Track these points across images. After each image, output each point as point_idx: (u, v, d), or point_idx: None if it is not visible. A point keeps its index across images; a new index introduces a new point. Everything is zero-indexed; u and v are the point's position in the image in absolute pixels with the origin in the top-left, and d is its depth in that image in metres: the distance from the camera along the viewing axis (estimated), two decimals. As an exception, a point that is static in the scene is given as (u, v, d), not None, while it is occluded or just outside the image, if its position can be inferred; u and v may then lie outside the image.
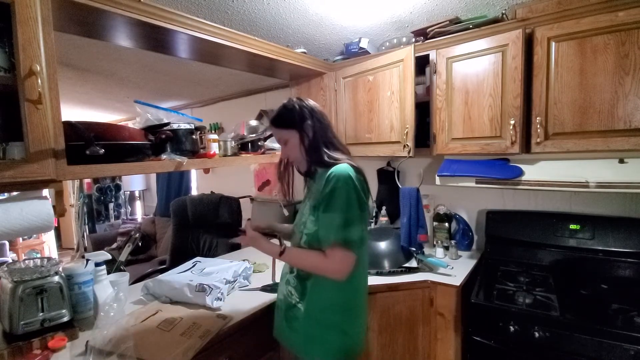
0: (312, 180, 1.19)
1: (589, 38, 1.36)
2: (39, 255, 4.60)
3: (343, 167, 1.05)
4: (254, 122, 1.96)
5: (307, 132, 1.13)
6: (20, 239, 4.48)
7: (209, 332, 1.15)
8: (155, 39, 1.41)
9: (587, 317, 1.25)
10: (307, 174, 1.22)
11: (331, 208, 1.02)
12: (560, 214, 1.78)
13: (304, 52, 2.01)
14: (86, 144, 1.05)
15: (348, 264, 1.03)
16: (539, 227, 1.79)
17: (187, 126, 1.40)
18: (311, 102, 1.19)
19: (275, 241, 1.19)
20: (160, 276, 1.49)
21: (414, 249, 1.75)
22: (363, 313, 1.21)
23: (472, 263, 1.83)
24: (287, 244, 1.16)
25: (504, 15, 1.64)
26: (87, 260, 1.32)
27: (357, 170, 1.08)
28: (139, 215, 5.46)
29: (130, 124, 1.33)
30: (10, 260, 3.71)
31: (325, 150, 1.12)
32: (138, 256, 3.72)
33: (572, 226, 1.71)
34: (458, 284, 1.56)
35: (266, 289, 1.52)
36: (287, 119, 1.15)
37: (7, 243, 4.14)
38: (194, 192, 4.19)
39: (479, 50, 1.61)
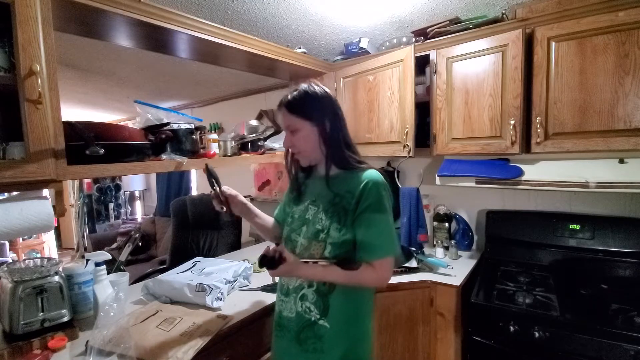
0: (323, 181, 1.04)
1: (589, 38, 1.36)
2: (39, 255, 4.60)
3: (376, 175, 0.99)
4: (254, 122, 1.96)
5: (326, 126, 1.01)
6: (20, 239, 4.48)
7: (209, 332, 1.15)
8: (155, 39, 1.41)
9: (587, 317, 1.25)
10: (307, 169, 1.13)
11: (380, 220, 0.97)
12: (560, 214, 1.78)
13: (304, 52, 2.01)
14: (86, 143, 1.05)
15: (391, 271, 1.02)
16: (539, 227, 1.79)
17: (187, 126, 1.40)
18: (331, 92, 1.08)
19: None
20: (160, 276, 1.49)
21: (414, 249, 1.75)
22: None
23: (472, 263, 1.83)
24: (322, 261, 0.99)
25: (504, 15, 1.64)
26: (87, 260, 1.32)
27: (384, 177, 1.02)
28: (139, 215, 5.46)
29: (130, 124, 1.33)
30: (10, 260, 3.71)
31: (346, 150, 1.03)
32: (138, 256, 3.72)
33: (572, 226, 1.71)
34: (458, 284, 1.56)
35: (266, 289, 1.52)
36: (306, 107, 1.02)
37: (7, 243, 4.14)
38: (194, 192, 4.19)
39: (479, 50, 1.61)
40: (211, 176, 1.17)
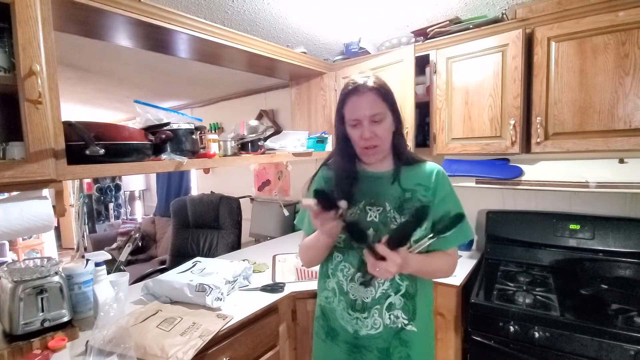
0: (385, 178, 0.99)
1: (589, 38, 1.36)
2: (39, 255, 4.60)
3: (438, 165, 1.01)
4: (254, 122, 1.95)
5: (400, 118, 0.99)
6: (20, 239, 4.48)
7: (209, 332, 1.15)
8: (155, 39, 1.41)
9: (587, 317, 1.25)
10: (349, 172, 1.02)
11: (459, 208, 0.97)
12: (560, 214, 1.78)
13: (304, 52, 2.01)
14: (86, 144, 1.05)
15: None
16: (539, 227, 1.79)
17: (187, 126, 1.39)
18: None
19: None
20: (160, 276, 1.49)
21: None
22: None
23: (472, 263, 1.83)
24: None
25: (504, 15, 1.64)
26: (87, 260, 1.32)
27: None
28: (139, 215, 5.46)
29: (130, 124, 1.33)
30: (10, 260, 3.71)
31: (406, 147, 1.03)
32: (138, 256, 3.72)
33: (572, 226, 1.71)
34: (458, 284, 1.56)
35: (266, 289, 1.52)
36: (391, 94, 0.96)
37: (7, 243, 4.14)
38: (194, 192, 4.19)
39: (479, 50, 1.61)
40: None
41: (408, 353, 0.95)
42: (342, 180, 1.01)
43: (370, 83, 0.93)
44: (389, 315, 0.95)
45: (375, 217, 0.96)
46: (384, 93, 0.94)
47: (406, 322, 0.95)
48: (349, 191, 0.99)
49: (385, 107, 0.94)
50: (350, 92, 0.94)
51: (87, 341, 1.05)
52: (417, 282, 0.97)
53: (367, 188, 1.00)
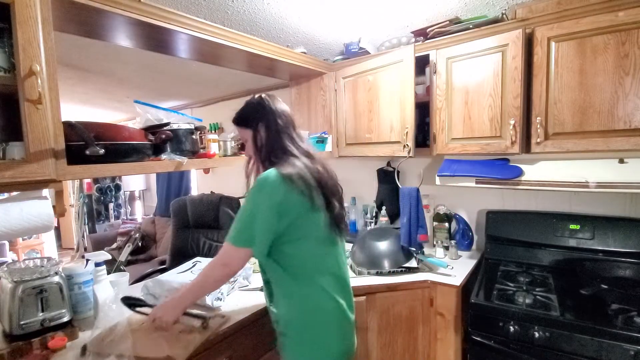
0: None
1: (589, 38, 1.36)
2: (39, 255, 4.60)
3: (266, 173, 1.04)
4: (254, 122, 1.95)
5: (261, 133, 1.12)
6: (20, 239, 4.48)
7: (208, 331, 1.15)
8: (155, 39, 1.41)
9: (587, 317, 1.25)
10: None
11: (239, 211, 1.09)
12: (560, 214, 1.78)
13: (304, 52, 2.01)
14: (86, 144, 1.05)
15: (232, 259, 1.05)
16: (539, 227, 1.79)
17: (187, 126, 1.39)
18: (277, 103, 1.15)
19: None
20: (160, 276, 1.49)
21: (414, 249, 1.75)
22: (334, 327, 1.11)
23: (472, 263, 1.83)
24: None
25: (504, 15, 1.64)
26: (87, 260, 1.32)
27: (286, 175, 1.02)
28: (139, 215, 5.46)
29: (130, 124, 1.33)
30: (10, 260, 3.71)
31: (275, 153, 1.10)
32: (138, 256, 3.72)
33: (572, 226, 1.71)
34: (458, 284, 1.56)
35: (266, 289, 1.52)
36: (245, 116, 1.15)
37: (7, 243, 4.14)
38: (194, 192, 4.19)
39: (479, 50, 1.61)
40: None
41: (281, 330, 1.13)
42: None
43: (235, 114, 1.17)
44: (264, 292, 1.20)
45: None
46: (236, 120, 1.17)
47: (269, 303, 1.16)
48: None
49: (243, 131, 1.16)
50: None
51: (87, 342, 1.05)
52: (267, 271, 1.14)
53: None
